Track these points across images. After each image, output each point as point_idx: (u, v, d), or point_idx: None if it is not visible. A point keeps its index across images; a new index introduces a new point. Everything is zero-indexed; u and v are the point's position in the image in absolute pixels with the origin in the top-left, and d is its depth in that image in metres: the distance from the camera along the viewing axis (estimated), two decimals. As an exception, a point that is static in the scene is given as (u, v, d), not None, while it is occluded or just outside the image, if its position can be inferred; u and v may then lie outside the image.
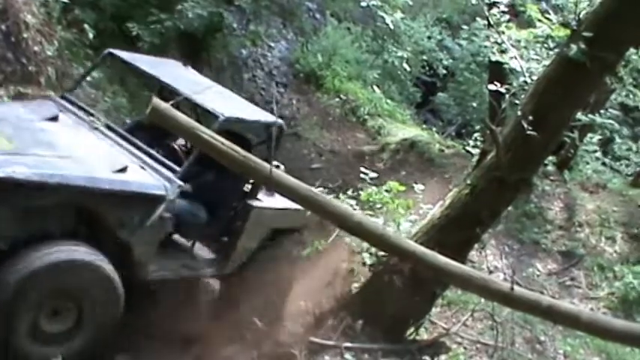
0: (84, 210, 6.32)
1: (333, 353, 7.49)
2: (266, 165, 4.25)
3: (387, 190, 8.42)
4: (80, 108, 7.56)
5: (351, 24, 18.41)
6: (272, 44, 16.06)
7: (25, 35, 8.70)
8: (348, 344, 7.56)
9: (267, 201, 8.03)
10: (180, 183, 6.75)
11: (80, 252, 6.16)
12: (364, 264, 8.17)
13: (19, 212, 5.90)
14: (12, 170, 5.75)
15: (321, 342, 7.69)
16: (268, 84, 15.21)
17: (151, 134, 7.73)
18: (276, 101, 14.71)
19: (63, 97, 7.67)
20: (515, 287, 4.45)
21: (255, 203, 7.78)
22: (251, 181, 7.95)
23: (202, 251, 7.86)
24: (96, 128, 7.21)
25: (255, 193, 7.87)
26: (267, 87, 15.09)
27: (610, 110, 14.97)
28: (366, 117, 15.79)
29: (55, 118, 7.06)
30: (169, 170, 6.82)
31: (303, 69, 16.59)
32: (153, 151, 7.03)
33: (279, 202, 8.08)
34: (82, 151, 6.60)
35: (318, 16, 17.84)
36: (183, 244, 7.78)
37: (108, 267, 6.30)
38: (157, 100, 4.39)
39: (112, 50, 7.92)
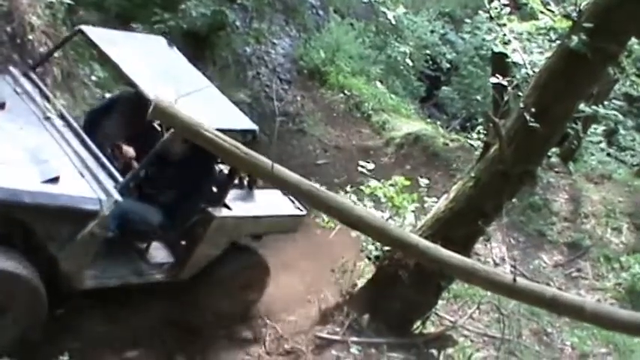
0: (13, 219, 5.97)
1: (340, 348, 7.50)
2: (268, 161, 4.27)
3: (392, 185, 8.41)
4: (39, 89, 7.17)
5: (353, 20, 18.40)
6: (275, 41, 16.05)
7: (30, 37, 8.66)
8: (355, 338, 7.57)
9: (240, 206, 7.63)
10: (118, 198, 6.25)
11: (7, 263, 5.90)
12: (369, 258, 8.17)
13: None
14: None
15: (328, 337, 7.71)
16: (272, 81, 15.21)
17: (125, 114, 7.49)
18: (280, 98, 14.69)
19: (24, 74, 7.30)
20: (519, 279, 4.46)
21: (217, 212, 7.33)
22: (219, 184, 7.63)
23: (159, 252, 7.48)
24: (47, 118, 6.81)
25: (220, 199, 7.45)
26: (271, 84, 15.08)
27: (614, 101, 14.95)
28: (371, 112, 15.79)
29: (1, 105, 6.66)
30: (111, 179, 6.39)
31: (306, 65, 16.59)
32: (99, 154, 6.60)
33: (255, 206, 7.91)
34: (14, 154, 6.16)
35: (320, 12, 17.87)
36: (137, 246, 7.40)
37: (33, 277, 6.03)
38: (158, 99, 4.41)
39: (82, 27, 7.37)
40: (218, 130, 6.61)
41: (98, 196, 6.19)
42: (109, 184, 6.31)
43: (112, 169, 6.49)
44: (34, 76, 7.36)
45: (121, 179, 6.41)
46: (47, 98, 7.10)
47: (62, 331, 6.81)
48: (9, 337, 6.13)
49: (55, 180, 6.04)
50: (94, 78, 9.96)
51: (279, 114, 13.79)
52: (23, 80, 7.19)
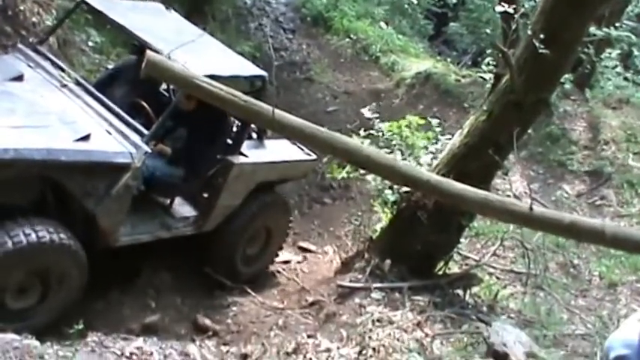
0: (48, 180, 6.13)
1: (363, 295, 7.40)
2: (268, 107, 4.10)
3: (406, 125, 8.23)
4: (50, 61, 7.28)
5: (355, -40, 18.04)
6: (276, -10, 15.82)
7: (21, 7, 8.60)
8: (378, 284, 7.45)
9: (255, 154, 7.85)
10: (147, 149, 6.51)
11: (48, 231, 5.96)
12: (386, 202, 8.04)
13: None
14: None
15: (350, 285, 7.63)
16: (276, 31, 14.99)
17: (131, 82, 7.56)
18: (285, 48, 14.47)
19: (34, 49, 7.36)
20: (535, 207, 4.28)
21: (236, 159, 7.57)
22: (233, 135, 7.78)
23: (183, 208, 7.69)
24: (65, 85, 6.93)
25: (237, 147, 7.66)
26: (274, 34, 14.87)
27: (626, 22, 14.61)
28: (379, 54, 15.57)
29: (19, 78, 6.80)
30: (137, 133, 6.57)
31: (310, 12, 16.35)
32: (121, 112, 6.75)
33: (268, 153, 8.10)
34: (43, 118, 6.32)
35: (320, -44, 17.47)
36: (162, 202, 7.58)
37: (74, 243, 6.15)
38: (151, 53, 4.25)
39: None
40: (227, 77, 6.89)
41: (128, 149, 6.42)
42: (136, 138, 6.52)
43: (137, 125, 6.67)
44: (43, 50, 7.47)
45: (146, 132, 6.61)
46: (61, 68, 7.21)
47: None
48: (56, 306, 6.28)
49: (86, 138, 6.24)
50: (90, 44, 9.84)
51: (285, 64, 13.55)
52: (34, 55, 7.27)
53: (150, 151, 6.55)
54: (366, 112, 8.73)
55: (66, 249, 6.09)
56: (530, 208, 4.28)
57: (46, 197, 6.27)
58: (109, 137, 6.47)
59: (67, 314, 6.20)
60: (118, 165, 6.34)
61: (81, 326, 5.33)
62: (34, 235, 5.84)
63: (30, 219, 5.94)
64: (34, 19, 8.54)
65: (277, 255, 8.87)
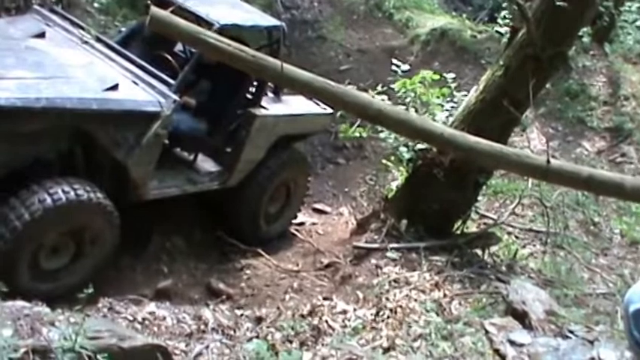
0: (77, 131, 6.14)
1: (379, 255, 7.33)
2: (277, 62, 3.95)
3: (420, 81, 8.05)
4: (69, 20, 7.27)
5: None
6: (286, -53, 15.50)
7: None
8: (394, 245, 7.38)
9: (274, 108, 7.87)
10: (175, 97, 6.54)
11: (85, 190, 6.00)
12: (401, 160, 7.90)
13: (7, 139, 5.70)
14: None
15: (366, 246, 7.56)
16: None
17: (147, 43, 7.55)
18: (296, 6, 14.22)
19: (50, 10, 7.38)
20: (553, 160, 4.12)
21: (258, 111, 7.60)
22: (253, 89, 7.79)
23: (206, 163, 7.73)
24: (86, 42, 6.92)
25: (257, 100, 7.70)
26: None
27: (647, -26, 14.33)
28: (392, 11, 15.29)
29: (41, 35, 6.78)
30: (163, 84, 6.61)
31: (320, -32, 15.98)
32: (146, 64, 6.76)
33: (287, 107, 8.12)
34: (70, 70, 6.31)
35: None
36: (186, 158, 7.65)
37: (107, 202, 6.18)
38: (155, 9, 4.09)
39: None
40: (248, 27, 7.19)
41: (157, 98, 6.47)
42: (164, 88, 6.56)
43: (163, 75, 6.69)
44: (60, 11, 7.49)
45: (172, 82, 6.62)
46: (80, 26, 7.21)
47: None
48: (88, 267, 6.32)
49: (115, 87, 6.28)
50: (96, 5, 9.74)
51: (297, 22, 13.34)
52: (50, 15, 7.26)
53: (178, 99, 6.55)
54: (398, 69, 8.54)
55: (102, 209, 6.13)
56: (548, 162, 4.14)
57: (75, 151, 6.30)
58: (136, 87, 6.51)
59: (97, 276, 6.19)
60: (147, 114, 6.38)
61: (91, 290, 5.26)
62: (72, 193, 5.89)
63: (67, 177, 5.98)
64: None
65: (297, 214, 8.90)
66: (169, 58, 7.33)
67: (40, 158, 6.02)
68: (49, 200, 5.76)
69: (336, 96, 3.87)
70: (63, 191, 5.84)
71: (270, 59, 3.94)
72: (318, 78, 3.83)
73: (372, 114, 3.90)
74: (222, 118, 7.53)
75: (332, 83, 3.88)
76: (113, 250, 6.45)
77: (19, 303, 4.89)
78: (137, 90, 6.47)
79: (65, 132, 6.10)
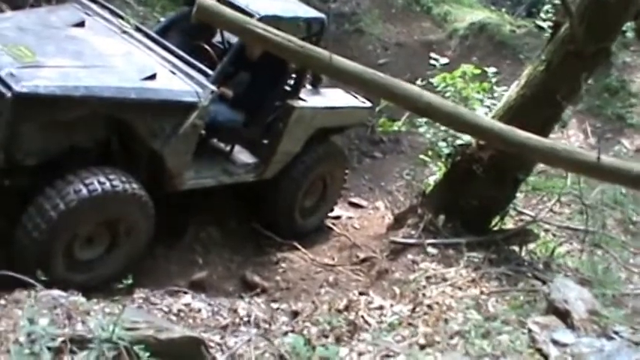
0: (114, 121, 6.14)
1: (416, 251, 7.30)
2: (325, 52, 3.91)
3: (460, 76, 7.98)
4: (108, 10, 7.29)
5: None
6: (324, -63, 15.42)
7: None
8: (431, 240, 7.36)
9: (313, 100, 7.81)
10: (213, 88, 6.51)
11: (121, 180, 6.00)
12: (440, 155, 7.83)
13: (44, 126, 5.71)
14: (34, 84, 5.54)
15: (403, 241, 7.53)
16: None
17: (186, 33, 7.52)
18: (333, -1, 14.18)
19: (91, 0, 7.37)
20: (603, 156, 4.05)
21: (296, 103, 7.55)
22: (292, 81, 7.74)
23: (243, 155, 7.70)
24: (125, 32, 6.94)
25: (296, 92, 7.64)
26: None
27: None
28: (431, 4, 15.23)
29: (81, 24, 6.81)
30: (202, 74, 6.58)
31: (359, -39, 15.90)
32: (184, 54, 6.75)
33: (325, 100, 8.07)
34: (109, 59, 6.35)
35: None
36: (222, 149, 7.63)
37: (142, 192, 6.18)
38: (201, -1, 4.05)
39: None
40: (288, 18, 7.12)
41: (194, 88, 6.45)
42: (202, 78, 6.54)
43: (201, 66, 6.67)
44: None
45: (211, 73, 6.60)
46: (120, 16, 7.25)
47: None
48: (122, 258, 6.32)
49: (153, 77, 6.28)
50: (135, -4, 9.67)
51: (334, 15, 13.28)
52: (90, 4, 7.29)
53: (216, 89, 6.51)
54: (437, 62, 8.47)
55: (137, 199, 6.14)
56: (598, 158, 4.06)
57: (111, 141, 6.31)
58: (174, 77, 6.50)
59: (132, 267, 6.14)
60: (185, 104, 6.37)
61: (130, 281, 5.26)
62: (108, 184, 5.90)
63: (102, 168, 5.99)
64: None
65: (333, 208, 8.86)
66: (208, 48, 7.31)
67: (76, 147, 6.03)
68: (84, 190, 5.76)
69: (386, 88, 3.83)
70: (98, 182, 5.84)
71: (319, 50, 3.91)
72: (368, 69, 3.78)
73: (421, 106, 3.85)
74: (260, 110, 7.49)
75: (381, 75, 3.83)
76: (148, 241, 6.44)
77: (55, 292, 4.89)
78: (175, 80, 6.47)
79: (102, 121, 6.11)
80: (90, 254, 6.15)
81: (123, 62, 6.38)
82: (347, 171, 8.84)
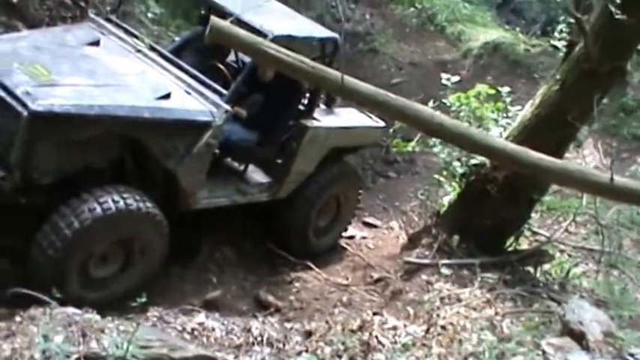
0: (128, 140, 6.18)
1: (431, 271, 7.29)
2: (337, 74, 3.93)
3: (475, 96, 7.99)
4: (123, 29, 7.33)
5: None
6: (337, -43, 15.49)
7: None
8: (446, 261, 7.33)
9: (326, 120, 7.80)
10: (227, 107, 6.53)
11: (135, 199, 6.02)
12: (454, 175, 7.82)
13: (59, 145, 5.76)
14: (49, 103, 5.59)
15: (417, 261, 7.51)
16: (338, 0, 14.71)
17: (200, 53, 7.53)
18: (347, 18, 14.21)
19: (106, 19, 7.42)
20: (616, 177, 4.04)
21: (310, 123, 7.53)
22: (305, 100, 7.75)
23: (256, 174, 7.69)
24: (139, 51, 6.97)
25: (310, 112, 7.62)
26: (336, 4, 14.57)
27: None
28: (445, 24, 15.28)
29: (96, 43, 6.87)
30: (216, 94, 6.60)
31: (372, -19, 15.96)
32: (199, 74, 6.77)
33: (339, 120, 8.04)
34: (124, 78, 6.41)
35: None
36: (236, 168, 7.63)
37: (156, 211, 6.19)
38: (215, 19, 4.11)
39: None
40: (302, 38, 7.11)
41: (208, 108, 6.48)
42: (216, 97, 6.56)
43: (215, 85, 6.70)
44: (114, 19, 7.50)
45: (225, 92, 6.61)
46: (135, 35, 7.27)
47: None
48: (137, 277, 6.34)
49: (167, 96, 6.33)
50: (150, 15, 9.83)
51: (348, 34, 13.31)
52: (105, 23, 7.33)
53: (230, 109, 6.55)
54: (448, 82, 8.48)
55: (151, 218, 6.15)
56: (611, 179, 4.06)
57: (125, 160, 6.35)
58: (188, 97, 6.53)
59: (146, 285, 6.15)
60: (199, 123, 6.39)
61: (144, 299, 5.27)
62: (122, 203, 5.92)
63: (117, 186, 6.01)
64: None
65: (347, 228, 8.82)
66: (222, 68, 7.33)
67: (90, 166, 6.07)
68: (98, 209, 5.79)
69: (397, 109, 3.85)
70: (113, 200, 5.86)
71: (331, 71, 3.94)
72: (379, 90, 3.81)
73: (433, 128, 3.88)
74: (274, 130, 7.49)
75: (393, 96, 3.85)
76: (162, 260, 6.45)
77: (70, 310, 4.93)
78: (189, 99, 6.51)
79: (116, 140, 6.14)
80: (104, 272, 6.16)
81: (137, 81, 6.44)
82: (361, 191, 8.80)
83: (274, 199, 7.65)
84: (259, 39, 4.37)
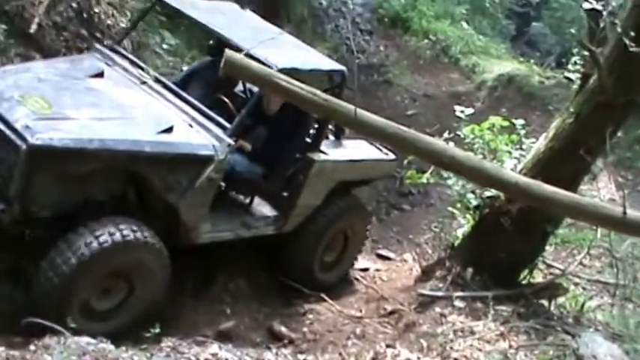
0: (131, 174, 6.16)
1: (444, 304, 7.24)
2: (350, 106, 3.95)
3: (489, 128, 7.99)
4: (129, 60, 7.30)
5: (432, -42, 17.78)
6: (352, -9, 15.65)
7: (96, 10, 8.70)
8: (459, 293, 7.29)
9: (334, 153, 7.75)
10: (230, 141, 6.49)
11: (132, 230, 5.95)
12: (468, 208, 7.83)
13: (58, 179, 5.76)
14: (48, 137, 5.58)
15: (431, 293, 7.48)
16: (353, 33, 14.82)
17: (208, 83, 7.55)
18: (362, 50, 14.30)
19: (112, 49, 7.39)
20: (629, 211, 4.04)
21: (317, 156, 7.48)
22: (312, 132, 7.70)
23: (263, 207, 7.65)
24: (144, 82, 6.95)
25: (317, 145, 7.57)
26: (351, 36, 14.70)
27: None
28: (459, 56, 15.32)
29: (100, 74, 6.85)
30: (219, 127, 6.56)
31: (387, 13, 16.05)
32: (203, 107, 6.74)
33: (348, 152, 7.99)
34: (126, 111, 6.39)
35: (396, -46, 17.24)
36: (241, 201, 7.58)
37: (154, 241, 6.12)
38: (230, 52, 4.14)
39: None
40: (307, 71, 7.01)
41: (211, 142, 6.43)
42: (219, 131, 6.52)
43: (219, 118, 6.66)
44: (120, 49, 7.48)
45: (228, 126, 6.58)
46: (140, 66, 7.24)
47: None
48: (140, 307, 6.27)
49: (169, 130, 6.30)
50: (165, 46, 9.89)
51: (363, 66, 13.40)
52: (111, 54, 7.30)
53: (233, 143, 6.53)
54: (462, 114, 8.52)
55: (149, 248, 6.09)
56: (624, 213, 4.05)
57: (128, 193, 6.32)
58: (191, 130, 6.49)
59: (149, 317, 6.13)
60: (201, 157, 6.35)
61: (158, 330, 5.27)
62: (118, 235, 5.85)
63: (113, 218, 5.97)
64: (108, 22, 8.64)
65: (354, 263, 8.73)
66: (227, 101, 7.29)
67: (91, 199, 6.06)
68: (95, 243, 5.74)
69: (409, 142, 3.86)
70: (109, 233, 5.81)
71: (344, 104, 3.95)
72: (391, 123, 3.82)
73: (445, 161, 3.88)
74: (279, 163, 7.44)
75: (404, 129, 3.86)
76: (165, 289, 6.40)
77: (84, 339, 4.96)
78: (192, 133, 6.48)
79: (118, 174, 6.14)
80: (106, 304, 6.12)
81: (139, 114, 6.42)
82: (369, 226, 8.72)
83: (280, 232, 7.59)
84: (272, 71, 4.38)
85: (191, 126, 6.52)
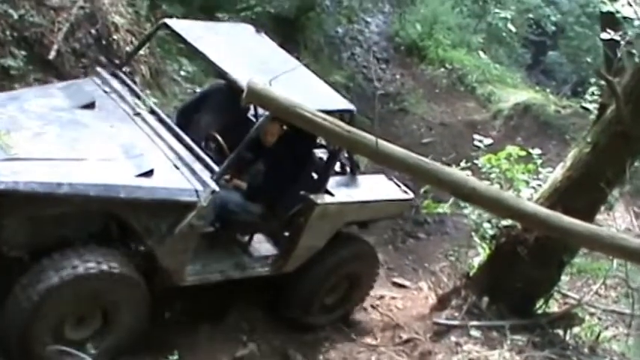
0: (111, 216, 5.98)
1: (460, 333, 7.24)
2: (371, 138, 3.97)
3: (506, 157, 7.99)
4: (127, 87, 7.04)
5: (449, -12, 17.88)
6: (368, 19, 15.78)
7: (115, 37, 8.74)
8: (475, 322, 7.30)
9: (343, 192, 7.29)
10: (216, 188, 6.06)
11: (92, 262, 5.69)
12: (484, 237, 7.81)
13: (29, 221, 5.65)
14: (13, 180, 5.36)
15: (447, 322, 7.46)
16: (369, 61, 14.91)
17: (219, 106, 7.29)
18: (378, 78, 14.36)
19: (113, 74, 7.13)
20: (647, 242, 4.06)
21: (320, 199, 6.96)
22: (319, 171, 7.30)
23: (263, 245, 7.33)
24: (137, 114, 6.66)
25: (322, 185, 7.10)
26: (367, 64, 14.77)
27: None
28: (475, 85, 15.36)
29: (91, 105, 6.58)
30: (207, 169, 6.18)
31: (403, 41, 16.15)
32: (194, 145, 6.40)
33: (359, 191, 7.57)
34: (107, 150, 6.09)
35: (413, -16, 17.39)
36: (240, 240, 7.25)
37: (127, 270, 5.91)
38: (252, 81, 4.16)
39: (167, 21, 7.25)
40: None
41: (194, 186, 6.04)
42: (205, 175, 6.13)
43: (208, 160, 6.29)
44: (121, 74, 7.22)
45: (217, 169, 6.20)
46: (137, 95, 6.98)
47: (172, 330, 6.80)
48: (118, 339, 6.08)
49: (149, 173, 5.93)
50: (183, 73, 9.95)
51: (379, 94, 13.45)
52: (111, 80, 7.07)
53: (218, 190, 6.10)
54: (481, 144, 8.52)
55: (122, 277, 5.86)
56: (641, 244, 4.08)
57: (110, 230, 6.14)
58: (175, 172, 6.14)
59: (133, 349, 6.11)
60: (181, 203, 6.00)
61: (176, 357, 5.26)
62: (81, 268, 5.62)
63: (78, 249, 5.75)
64: (127, 49, 8.64)
65: (353, 310, 8.26)
66: (219, 138, 6.89)
67: (67, 238, 5.86)
68: (55, 278, 5.55)
69: (431, 173, 3.89)
70: (72, 266, 5.61)
71: (366, 135, 3.97)
72: (412, 154, 3.85)
73: (466, 192, 3.91)
74: (279, 204, 7.07)
75: (426, 160, 3.89)
76: (142, 320, 6.15)
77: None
78: (175, 175, 6.11)
79: (96, 215, 5.97)
80: (82, 334, 5.94)
81: (121, 154, 6.10)
82: (377, 274, 8.24)
83: (278, 273, 7.23)
84: (295, 102, 4.38)
85: (177, 167, 6.18)
